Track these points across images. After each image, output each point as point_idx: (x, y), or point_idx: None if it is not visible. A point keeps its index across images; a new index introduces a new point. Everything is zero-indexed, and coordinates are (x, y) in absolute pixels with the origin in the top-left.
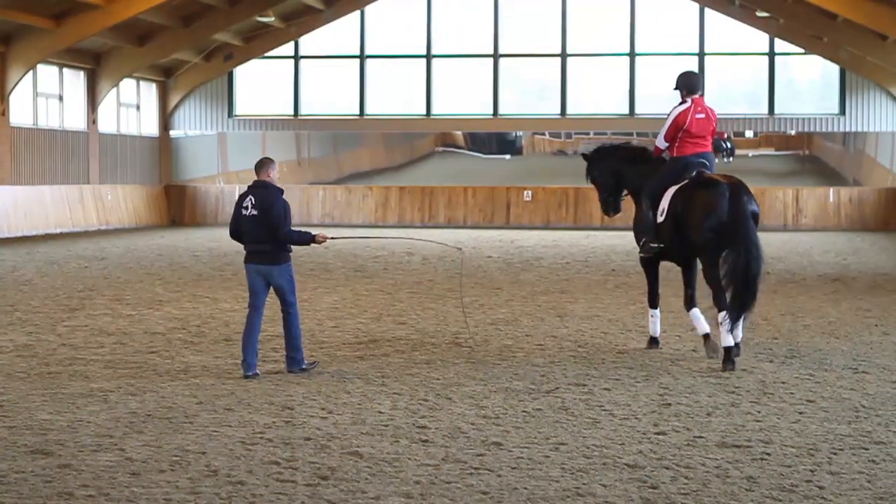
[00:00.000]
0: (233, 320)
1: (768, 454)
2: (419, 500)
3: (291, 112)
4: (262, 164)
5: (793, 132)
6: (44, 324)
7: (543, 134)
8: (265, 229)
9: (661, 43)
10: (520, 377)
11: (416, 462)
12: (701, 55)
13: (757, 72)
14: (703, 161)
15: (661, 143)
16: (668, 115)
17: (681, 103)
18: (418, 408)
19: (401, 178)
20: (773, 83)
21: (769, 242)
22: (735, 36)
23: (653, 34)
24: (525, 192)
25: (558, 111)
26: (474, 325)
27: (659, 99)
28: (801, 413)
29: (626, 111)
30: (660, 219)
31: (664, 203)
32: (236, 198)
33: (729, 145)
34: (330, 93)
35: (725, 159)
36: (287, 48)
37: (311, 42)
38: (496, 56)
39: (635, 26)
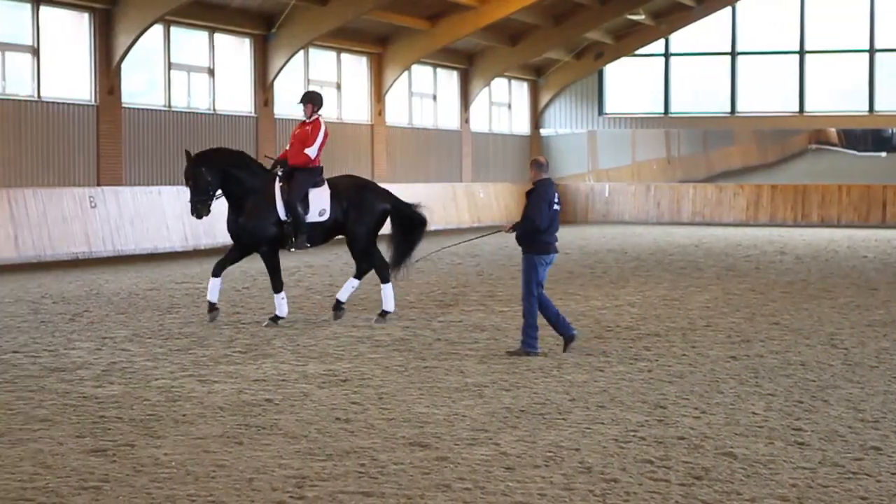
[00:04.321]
0: (604, 318)
1: None
2: (795, 503)
3: (661, 110)
4: (546, 163)
5: None
6: (419, 318)
7: None
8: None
9: None
10: None
11: (791, 465)
12: None
13: None
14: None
15: (313, 153)
16: (319, 131)
17: (317, 118)
18: (793, 409)
19: (773, 176)
20: None
21: None
22: None
23: None
24: None
25: None
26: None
27: None
28: None
29: None
30: (320, 218)
31: (322, 204)
32: (531, 193)
33: None
34: (700, 90)
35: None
36: (657, 46)
37: (681, 39)
38: (871, 51)
39: None
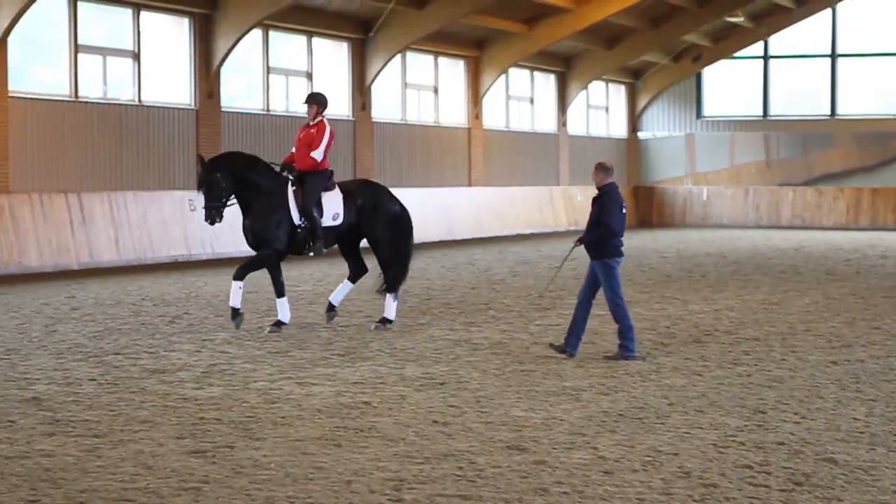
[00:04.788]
0: (702, 322)
1: None
2: None
3: (760, 113)
4: (612, 167)
5: None
6: (517, 322)
7: None
8: None
9: None
10: None
11: (893, 471)
12: None
13: None
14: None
15: (319, 155)
16: (325, 133)
17: (322, 120)
18: (895, 415)
19: (874, 179)
20: None
21: None
22: None
23: None
24: None
25: None
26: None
27: None
28: None
29: None
30: (334, 222)
31: (335, 208)
32: (596, 199)
33: None
34: (799, 93)
35: None
36: (756, 48)
37: (780, 41)
38: None
39: None
